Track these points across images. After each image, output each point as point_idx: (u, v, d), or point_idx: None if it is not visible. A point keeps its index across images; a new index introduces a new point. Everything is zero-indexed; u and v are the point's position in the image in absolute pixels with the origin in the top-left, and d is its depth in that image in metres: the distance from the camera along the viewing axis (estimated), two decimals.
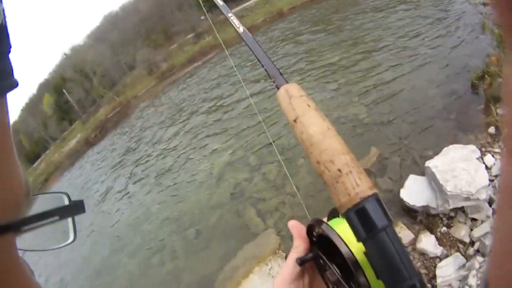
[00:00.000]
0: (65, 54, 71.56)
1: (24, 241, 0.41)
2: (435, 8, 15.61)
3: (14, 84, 0.34)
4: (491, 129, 5.92)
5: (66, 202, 0.51)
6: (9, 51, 0.33)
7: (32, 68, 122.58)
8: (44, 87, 74.56)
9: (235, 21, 1.04)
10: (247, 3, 56.63)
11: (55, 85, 65.12)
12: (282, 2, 49.20)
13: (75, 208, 0.45)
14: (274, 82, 0.78)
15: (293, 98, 0.67)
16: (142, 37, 65.73)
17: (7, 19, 0.32)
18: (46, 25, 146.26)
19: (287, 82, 0.74)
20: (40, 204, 0.47)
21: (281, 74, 0.78)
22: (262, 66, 0.83)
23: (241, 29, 1.00)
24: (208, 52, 38.73)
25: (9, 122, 0.35)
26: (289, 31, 26.09)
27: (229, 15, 1.09)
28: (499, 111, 6.10)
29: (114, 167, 18.18)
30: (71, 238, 0.52)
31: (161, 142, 15.96)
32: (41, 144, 64.31)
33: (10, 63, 0.33)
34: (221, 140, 11.64)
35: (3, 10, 0.32)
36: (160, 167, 13.09)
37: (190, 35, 53.57)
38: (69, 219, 0.50)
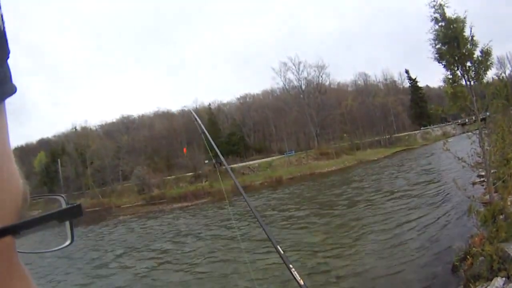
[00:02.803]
0: (75, 129, 72.73)
1: (22, 243, 0.41)
2: (425, 194, 17.20)
3: (12, 90, 0.34)
4: None
5: (64, 205, 0.51)
6: (8, 57, 0.34)
7: (44, 119, 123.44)
8: (44, 145, 74.30)
9: (296, 275, 1.29)
10: (251, 162, 59.86)
11: (53, 151, 65.07)
12: (283, 170, 52.93)
13: (73, 211, 0.45)
14: None
15: None
16: (146, 155, 67.87)
17: (5, 25, 0.32)
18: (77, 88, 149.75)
19: None
20: (38, 207, 0.49)
21: None
22: None
23: (301, 282, 1.26)
24: (200, 197, 39.98)
25: (7, 127, 0.35)
26: (280, 201, 27.74)
27: (290, 266, 1.36)
28: None
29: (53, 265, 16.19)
30: (69, 241, 0.52)
31: (121, 264, 15.00)
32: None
33: (8, 69, 0.34)
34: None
35: (2, 16, 0.32)
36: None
37: (189, 173, 54.93)
38: (67, 223, 0.50)
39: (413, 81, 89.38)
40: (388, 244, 11.18)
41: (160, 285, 11.79)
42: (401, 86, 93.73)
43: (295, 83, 77.99)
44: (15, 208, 0.36)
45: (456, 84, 8.95)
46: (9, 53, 0.34)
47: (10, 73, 0.34)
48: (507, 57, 68.88)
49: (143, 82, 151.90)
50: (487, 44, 8.51)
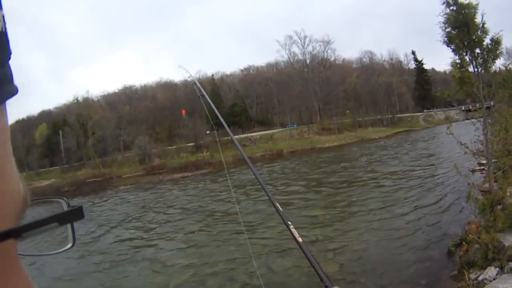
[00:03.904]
0: (77, 100, 72.42)
1: (24, 246, 0.41)
2: (424, 177, 17.35)
3: (14, 91, 0.34)
4: None
5: (65, 208, 0.52)
6: (9, 58, 0.33)
7: (45, 91, 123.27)
8: (45, 116, 74.70)
9: (295, 232, 1.28)
10: (253, 134, 59.88)
11: (55, 123, 65.33)
12: (284, 143, 53.08)
13: (74, 214, 0.45)
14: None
15: None
16: (147, 125, 68.00)
17: (7, 26, 0.32)
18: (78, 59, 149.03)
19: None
20: (40, 210, 0.49)
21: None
22: (316, 271, 1.08)
23: (300, 239, 1.26)
24: (201, 167, 40.42)
25: (7, 129, 0.35)
26: (279, 173, 28.02)
27: (289, 223, 1.37)
28: (472, 276, 6.30)
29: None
30: (70, 243, 0.53)
31: (122, 235, 14.82)
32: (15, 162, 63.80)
33: (10, 69, 0.34)
34: (184, 257, 10.75)
35: (3, 16, 0.32)
36: (112, 258, 11.82)
37: (191, 144, 55.54)
38: (68, 225, 0.50)
39: (419, 63, 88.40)
40: (384, 222, 11.27)
41: (161, 247, 12.19)
42: (407, 67, 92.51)
43: (300, 57, 77.50)
44: (16, 211, 0.36)
45: (463, 69, 8.83)
46: (10, 53, 0.34)
47: (11, 73, 0.34)
48: None
49: (146, 52, 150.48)
50: (498, 33, 8.37)
